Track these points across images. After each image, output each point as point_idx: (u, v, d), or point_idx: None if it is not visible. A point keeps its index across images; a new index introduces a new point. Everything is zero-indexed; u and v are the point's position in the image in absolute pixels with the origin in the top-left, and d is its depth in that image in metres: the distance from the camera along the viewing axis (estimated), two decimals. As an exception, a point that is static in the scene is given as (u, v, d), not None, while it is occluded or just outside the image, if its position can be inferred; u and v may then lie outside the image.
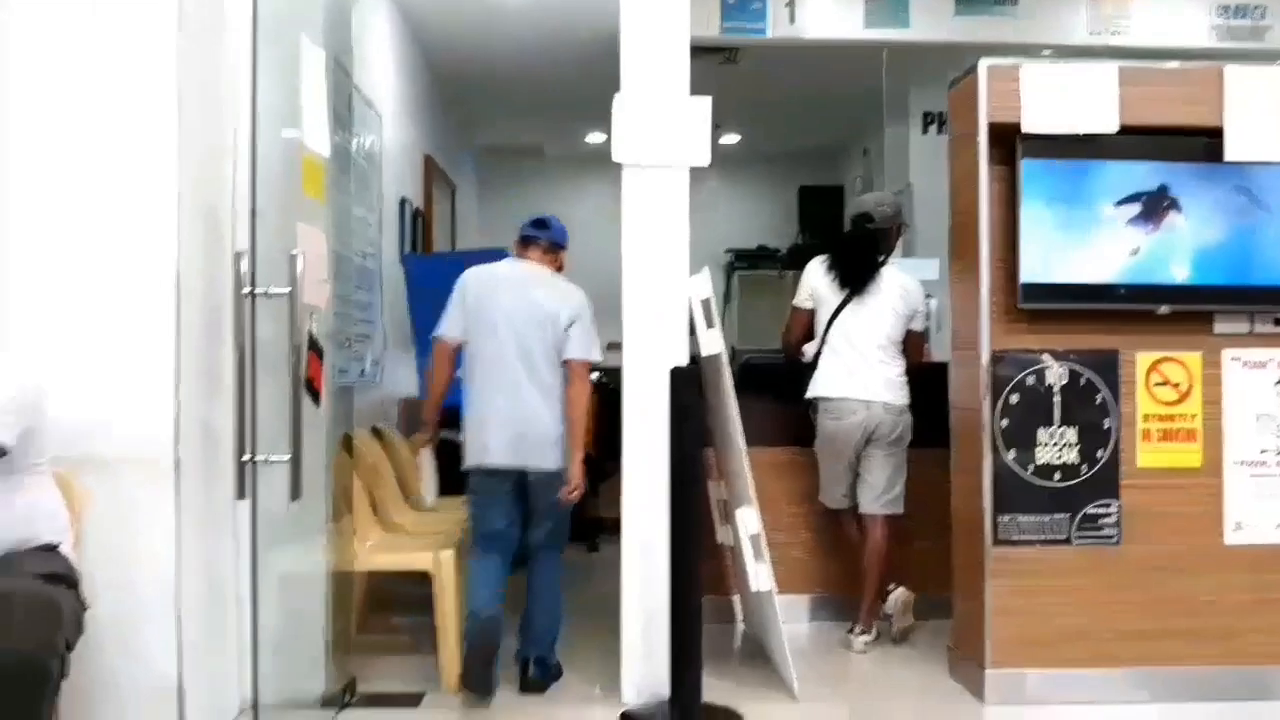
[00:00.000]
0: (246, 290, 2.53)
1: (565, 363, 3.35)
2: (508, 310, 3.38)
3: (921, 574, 4.02)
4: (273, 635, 2.68)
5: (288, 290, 2.50)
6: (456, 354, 3.51)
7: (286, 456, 2.45)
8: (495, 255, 5.05)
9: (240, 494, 2.50)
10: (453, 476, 4.84)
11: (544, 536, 3.41)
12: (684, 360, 3.23)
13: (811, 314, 4.03)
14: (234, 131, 2.87)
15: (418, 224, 5.57)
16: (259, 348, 2.53)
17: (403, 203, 5.23)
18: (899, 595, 3.93)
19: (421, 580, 3.41)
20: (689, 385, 2.96)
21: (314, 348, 2.79)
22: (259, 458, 2.47)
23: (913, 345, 4.00)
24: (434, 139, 6.32)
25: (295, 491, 2.46)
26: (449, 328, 3.46)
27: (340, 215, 3.74)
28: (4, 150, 2.56)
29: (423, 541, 3.63)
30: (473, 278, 3.51)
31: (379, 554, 3.52)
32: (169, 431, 2.59)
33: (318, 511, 2.97)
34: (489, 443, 3.35)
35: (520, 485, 3.34)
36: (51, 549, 2.24)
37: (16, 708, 1.89)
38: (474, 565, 3.37)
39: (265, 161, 2.66)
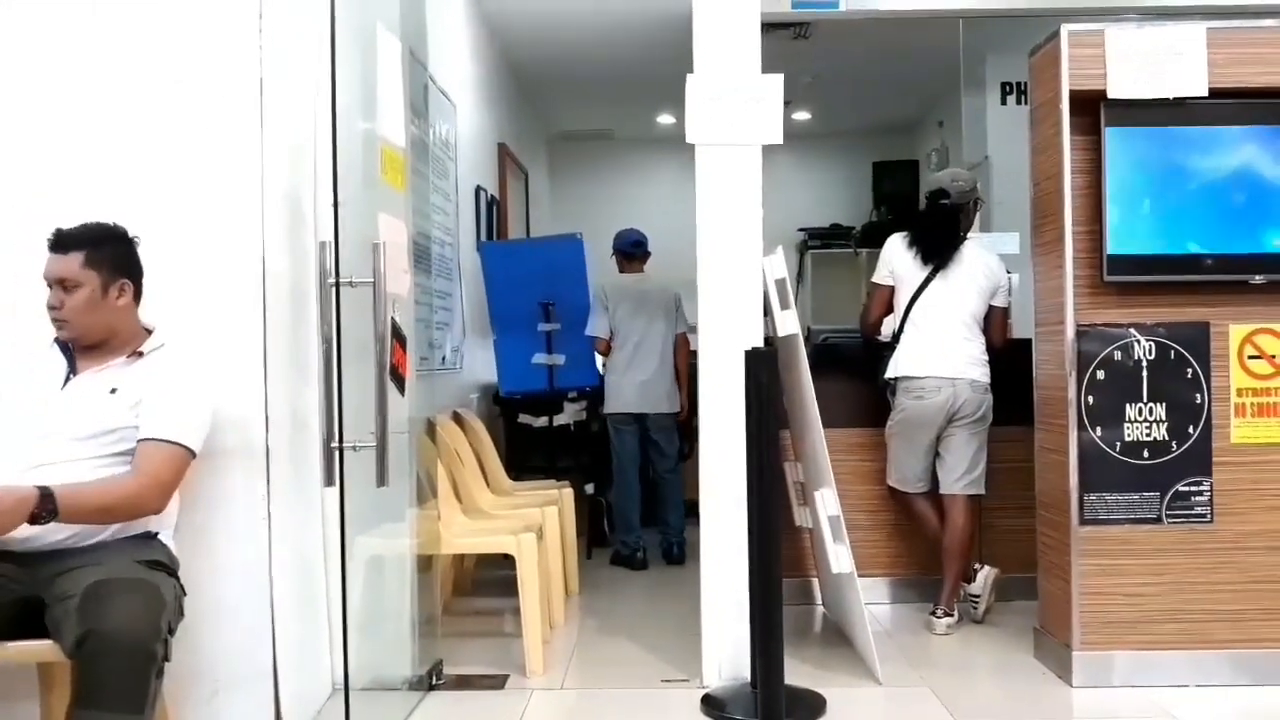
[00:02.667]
0: (331, 280, 2.60)
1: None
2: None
3: (1004, 554, 3.96)
4: (361, 619, 2.75)
5: (371, 280, 2.55)
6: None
7: (373, 443, 2.50)
8: (569, 242, 5.11)
9: (329, 480, 2.56)
10: (527, 461, 4.95)
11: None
12: (759, 341, 3.22)
13: (891, 291, 3.97)
14: (314, 123, 2.94)
15: (493, 212, 5.63)
16: (344, 337, 2.60)
17: (478, 191, 5.29)
18: (986, 574, 3.88)
19: (505, 562, 3.47)
20: (765, 367, 2.94)
21: (398, 336, 2.84)
22: (346, 445, 2.53)
23: (996, 322, 3.92)
24: (507, 127, 6.38)
25: (382, 477, 2.52)
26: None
27: (419, 204, 3.80)
28: (93, 144, 2.66)
29: (505, 525, 3.69)
30: None
31: (463, 537, 3.58)
32: (259, 419, 2.67)
33: (403, 496, 3.04)
34: None
35: None
36: (151, 536, 2.34)
37: (125, 689, 1.97)
38: None
39: (346, 152, 2.71)
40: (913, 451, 3.92)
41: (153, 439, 2.28)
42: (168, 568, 2.29)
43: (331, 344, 2.57)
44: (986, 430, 3.87)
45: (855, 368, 4.20)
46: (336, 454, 2.52)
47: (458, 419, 4.29)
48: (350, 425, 2.57)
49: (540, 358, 4.88)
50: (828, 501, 3.31)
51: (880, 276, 4.01)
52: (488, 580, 4.34)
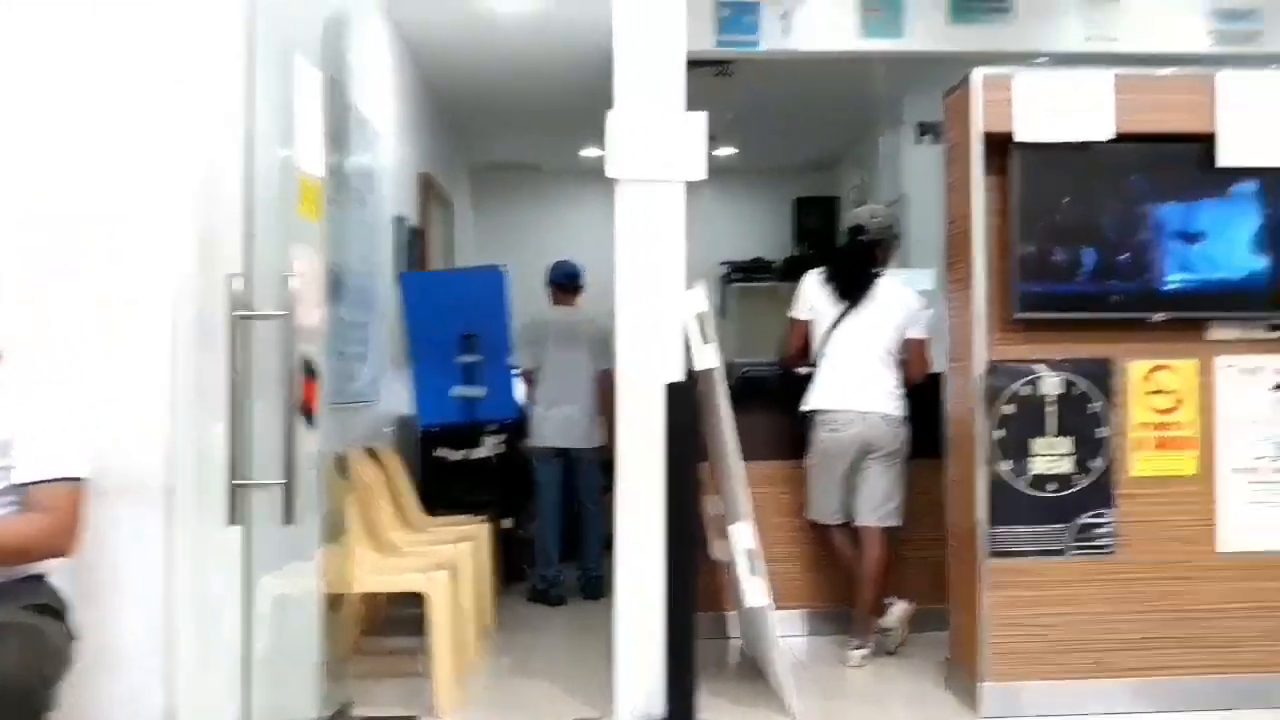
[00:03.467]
0: (241, 313, 2.53)
1: None
2: None
3: (920, 585, 4.02)
4: (266, 660, 2.67)
5: (282, 313, 2.50)
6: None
7: (280, 481, 2.44)
8: (491, 274, 5.09)
9: (233, 519, 2.49)
10: (444, 496, 4.88)
11: None
12: (680, 375, 3.23)
13: (808, 325, 4.03)
14: (229, 152, 2.88)
15: (414, 242, 5.58)
16: (254, 370, 2.53)
17: (399, 221, 5.24)
18: (899, 610, 3.92)
19: (419, 599, 3.41)
20: (685, 401, 2.95)
21: (308, 370, 2.78)
22: (252, 482, 2.47)
23: (913, 354, 4.00)
24: (431, 157, 6.34)
25: (288, 516, 2.45)
26: None
27: (337, 234, 3.74)
28: (-2, 168, 2.57)
29: (418, 562, 3.62)
30: None
31: (373, 575, 3.51)
32: (161, 456, 2.59)
33: (312, 533, 2.96)
34: None
35: None
36: (38, 579, 2.23)
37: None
38: None
39: (261, 183, 2.66)
40: (829, 484, 3.96)
41: (46, 480, 2.18)
42: (56, 611, 2.19)
43: (239, 378, 2.50)
44: (902, 463, 3.93)
45: (775, 401, 4.24)
46: (241, 491, 2.45)
47: (372, 453, 4.22)
48: (257, 461, 2.50)
49: (459, 390, 4.83)
50: (744, 535, 3.32)
51: (797, 311, 4.07)
52: (401, 617, 4.24)
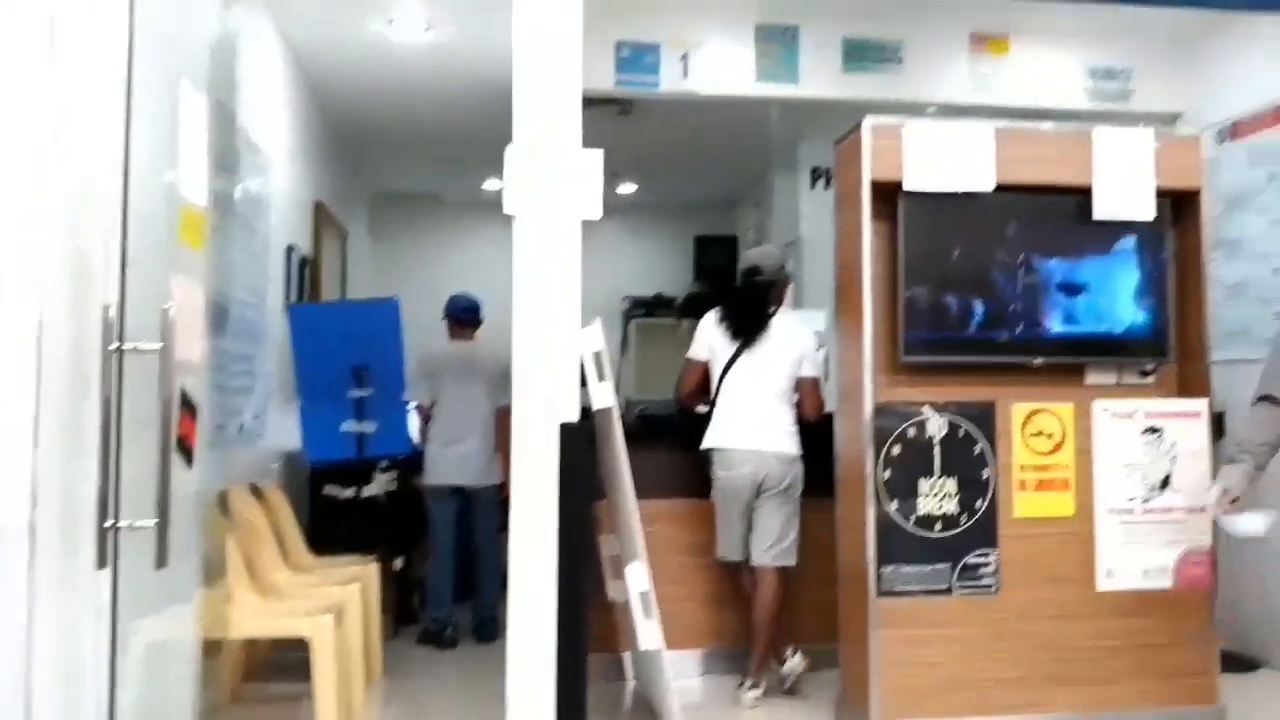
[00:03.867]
0: (115, 345, 2.42)
1: None
2: None
3: (816, 624, 4.04)
4: (137, 711, 2.53)
5: (158, 346, 2.39)
6: None
7: (152, 522, 2.32)
8: (385, 306, 4.99)
9: (101, 562, 2.36)
10: (332, 535, 4.74)
11: None
12: (575, 414, 3.20)
13: (705, 366, 4.06)
14: (106, 180, 2.76)
15: (306, 272, 5.44)
16: (128, 406, 2.42)
17: (290, 250, 5.11)
18: (795, 663, 3.95)
19: (303, 644, 3.28)
20: (579, 442, 2.93)
21: (186, 405, 2.67)
22: (122, 523, 2.34)
23: (806, 391, 4.05)
24: (326, 185, 6.21)
25: (161, 559, 2.33)
26: None
27: (221, 264, 3.63)
28: None
29: (301, 605, 3.50)
30: None
31: (254, 620, 3.37)
32: (25, 495, 2.44)
33: (189, 576, 2.83)
34: None
35: None
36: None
37: None
38: None
39: (140, 210, 2.55)
40: (728, 522, 3.99)
41: None
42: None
43: (111, 414, 2.39)
44: (796, 501, 3.97)
45: (674, 438, 4.25)
46: (110, 533, 2.33)
47: (256, 491, 4.07)
48: (131, 501, 2.38)
49: (350, 425, 4.71)
50: (638, 577, 3.30)
51: (694, 351, 4.11)
52: (285, 662, 4.08)
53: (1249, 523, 2.93)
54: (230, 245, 3.81)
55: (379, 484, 4.94)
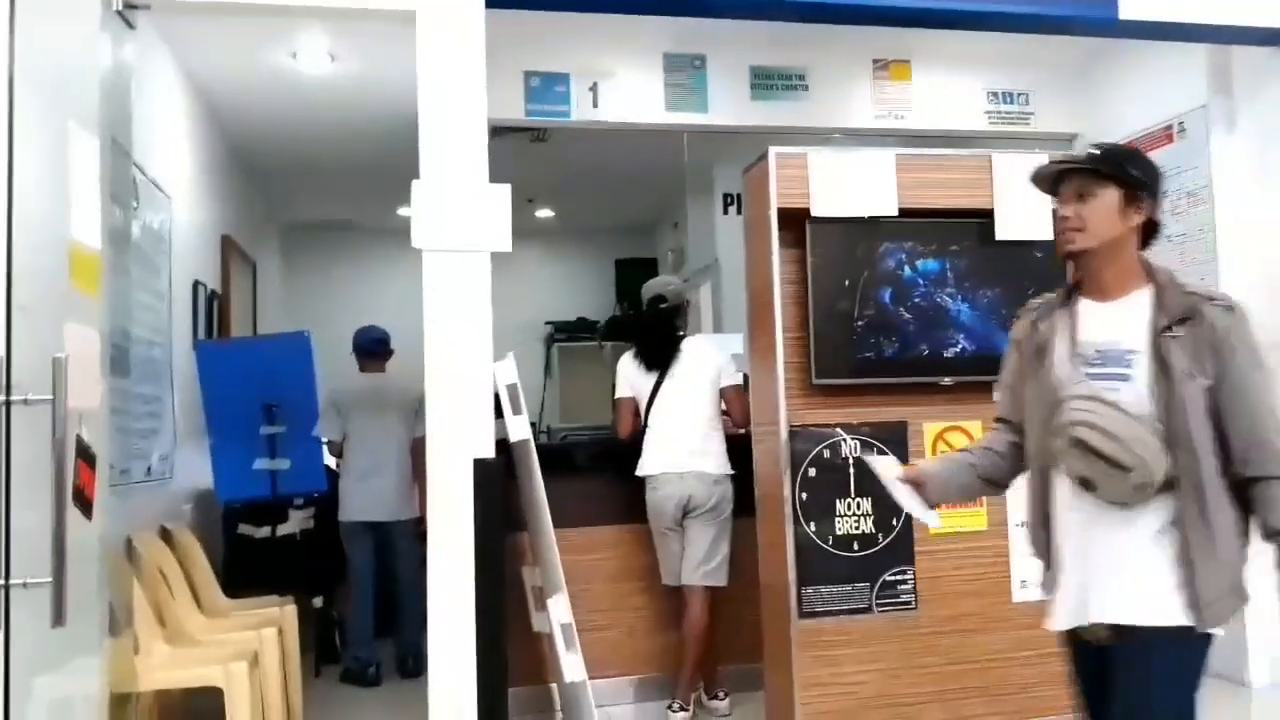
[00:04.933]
0: (2, 398, 2.33)
1: None
2: None
3: (749, 644, 4.04)
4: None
5: (49, 397, 2.31)
6: None
7: (47, 579, 2.24)
8: (295, 339, 4.90)
9: (-7, 622, 2.26)
10: (248, 576, 4.62)
11: None
12: (491, 446, 3.18)
13: (634, 401, 4.12)
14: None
15: (213, 307, 5.32)
16: (20, 459, 2.32)
17: (196, 285, 4.99)
18: (722, 706, 3.98)
19: (217, 694, 3.19)
20: (494, 476, 2.91)
21: (84, 455, 2.58)
22: (15, 581, 2.25)
23: (731, 402, 4.09)
24: (233, 217, 6.08)
25: (58, 617, 2.24)
26: None
27: (120, 305, 3.52)
28: None
29: (214, 653, 3.40)
30: None
31: (164, 670, 3.27)
32: (-92, 555, 2.33)
33: (94, 629, 2.73)
34: None
35: None
36: None
37: None
38: None
39: (27, 255, 2.47)
40: (663, 546, 4.04)
41: None
42: None
43: (1, 469, 2.29)
44: (725, 521, 3.99)
45: (597, 465, 4.26)
46: (1, 592, 2.23)
47: (165, 535, 3.95)
48: (26, 557, 2.29)
49: (262, 463, 4.60)
50: (559, 609, 3.28)
51: (620, 391, 4.21)
52: (202, 710, 3.96)
53: (886, 466, 2.38)
54: (130, 284, 3.70)
55: (295, 521, 4.83)
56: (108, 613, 2.89)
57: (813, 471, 3.40)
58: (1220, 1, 3.59)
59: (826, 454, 3.41)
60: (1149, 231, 2.16)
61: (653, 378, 4.06)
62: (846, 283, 3.48)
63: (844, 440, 3.43)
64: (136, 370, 3.82)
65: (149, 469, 4.00)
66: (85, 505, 2.61)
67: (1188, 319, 2.03)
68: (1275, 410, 2.03)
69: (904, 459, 3.46)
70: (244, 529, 4.82)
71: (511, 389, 3.39)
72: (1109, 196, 2.10)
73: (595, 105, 4.61)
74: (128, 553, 3.36)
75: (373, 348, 4.98)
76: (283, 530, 4.79)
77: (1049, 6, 3.45)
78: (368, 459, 4.76)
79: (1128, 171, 2.12)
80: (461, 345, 3.21)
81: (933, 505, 2.33)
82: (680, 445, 3.98)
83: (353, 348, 5.02)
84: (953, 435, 3.54)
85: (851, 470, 3.42)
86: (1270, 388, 2.04)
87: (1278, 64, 3.73)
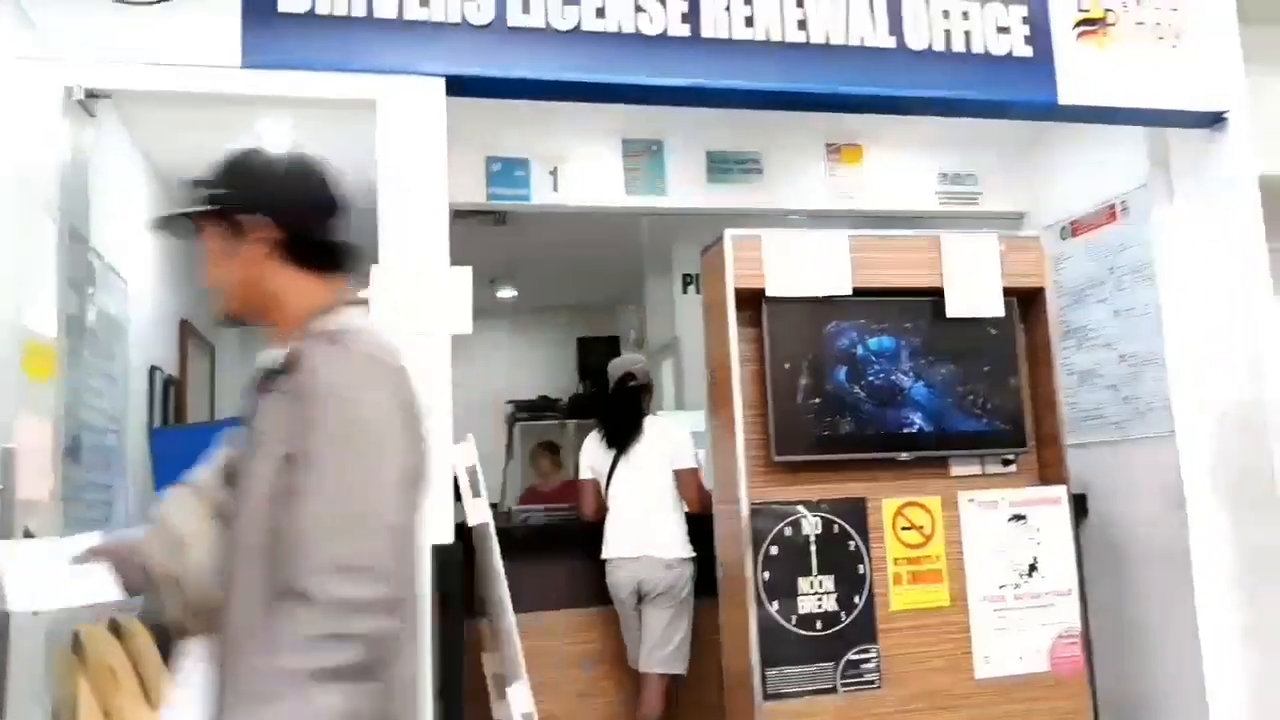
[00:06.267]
0: (-52, 489, 2.29)
1: None
2: None
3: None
4: None
5: (-3, 487, 2.28)
6: None
7: (-13, 677, 2.17)
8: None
9: (-71, 724, 2.19)
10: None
11: None
12: (450, 530, 3.15)
13: (595, 484, 4.12)
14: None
15: (170, 392, 5.26)
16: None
17: (153, 371, 4.94)
18: None
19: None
20: (452, 563, 2.88)
21: (31, 547, 2.53)
22: (-46, 680, 2.18)
23: (685, 484, 4.09)
24: (192, 301, 6.05)
25: (-2, 716, 2.18)
26: None
27: (74, 393, 3.48)
28: None
29: (165, 750, 3.28)
30: None
31: (110, 771, 3.15)
32: None
33: (34, 729, 2.64)
34: None
35: None
36: None
37: None
38: None
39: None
40: (626, 629, 4.01)
41: None
42: None
43: (-57, 562, 2.24)
44: (683, 605, 3.96)
45: (558, 547, 4.22)
46: (-60, 692, 2.16)
47: (114, 627, 3.83)
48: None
49: (218, 551, 4.50)
50: (520, 698, 3.22)
51: (581, 473, 4.23)
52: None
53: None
54: (85, 372, 3.66)
55: (250, 612, 4.72)
56: (50, 710, 2.81)
57: (775, 550, 3.39)
58: (1155, 87, 3.73)
59: (788, 531, 3.42)
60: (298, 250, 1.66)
61: (610, 458, 4.08)
62: (804, 361, 3.52)
63: (805, 517, 3.44)
64: (89, 458, 3.76)
65: (100, 559, 3.91)
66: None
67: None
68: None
69: (865, 535, 3.48)
70: (197, 619, 4.70)
71: (471, 472, 3.37)
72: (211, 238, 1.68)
73: (556, 189, 4.68)
74: (74, 647, 3.26)
75: None
76: (238, 620, 4.67)
77: (991, 92, 3.57)
78: None
79: (210, 196, 1.69)
80: (421, 428, 3.19)
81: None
82: (634, 527, 3.99)
83: None
84: (912, 511, 3.56)
85: (813, 547, 3.42)
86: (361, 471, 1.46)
87: (1213, 145, 3.87)
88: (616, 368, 4.32)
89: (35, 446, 2.54)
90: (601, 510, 4.12)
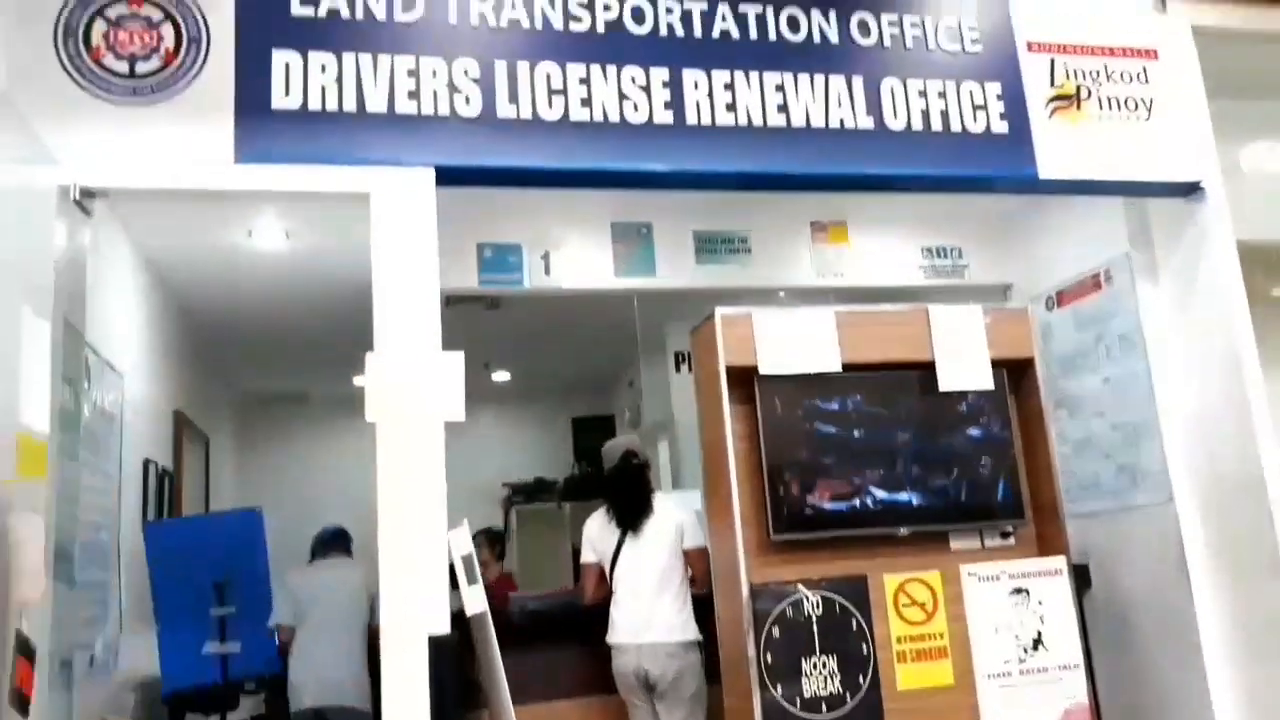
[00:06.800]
0: (-62, 592, 2.26)
1: None
2: None
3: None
4: None
5: (-12, 589, 2.25)
6: None
7: (-25, 786, 2.12)
8: (246, 516, 4.82)
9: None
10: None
11: None
12: (445, 619, 3.11)
13: (599, 567, 4.06)
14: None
15: (165, 485, 5.24)
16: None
17: (147, 464, 4.93)
18: None
19: None
20: (449, 653, 2.83)
21: (24, 650, 2.50)
22: (-59, 790, 2.13)
23: (695, 561, 4.03)
24: (186, 392, 6.07)
25: (-16, 827, 2.13)
26: None
27: (68, 489, 3.46)
28: None
29: None
30: None
31: None
32: None
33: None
34: None
35: None
36: None
37: None
38: None
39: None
40: (631, 715, 3.89)
41: None
42: None
43: (-69, 667, 2.21)
44: (694, 699, 3.85)
45: (559, 634, 4.16)
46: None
47: (107, 729, 3.77)
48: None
49: (212, 646, 4.45)
50: (521, 790, 3.14)
51: (585, 556, 4.15)
52: None
53: None
54: (79, 468, 3.65)
55: (245, 709, 4.65)
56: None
57: (776, 631, 3.35)
58: (1131, 159, 3.81)
59: (789, 612, 3.38)
60: None
61: (615, 538, 4.01)
62: (798, 437, 3.53)
63: (806, 597, 3.40)
64: (82, 555, 3.72)
65: (92, 660, 3.85)
66: (23, 704, 2.50)
67: None
68: None
69: (867, 613, 3.44)
70: (191, 718, 4.62)
71: (467, 559, 3.34)
72: None
73: (547, 273, 4.73)
74: (66, 751, 3.19)
75: (330, 538, 4.97)
76: (233, 718, 4.60)
77: (972, 168, 3.63)
78: (313, 643, 4.63)
79: None
80: (416, 516, 3.18)
81: None
82: (638, 613, 3.91)
83: (312, 546, 5.01)
84: (913, 587, 3.53)
85: (815, 628, 3.38)
86: None
87: (1191, 214, 3.94)
88: (616, 447, 4.31)
89: (28, 546, 2.52)
90: (605, 594, 4.06)
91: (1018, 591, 3.59)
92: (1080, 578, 3.98)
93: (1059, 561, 3.65)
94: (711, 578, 4.01)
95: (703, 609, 3.97)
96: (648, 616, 3.89)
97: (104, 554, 4.09)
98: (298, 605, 4.71)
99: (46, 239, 3.01)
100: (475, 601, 3.32)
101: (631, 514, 4.05)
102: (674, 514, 4.11)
